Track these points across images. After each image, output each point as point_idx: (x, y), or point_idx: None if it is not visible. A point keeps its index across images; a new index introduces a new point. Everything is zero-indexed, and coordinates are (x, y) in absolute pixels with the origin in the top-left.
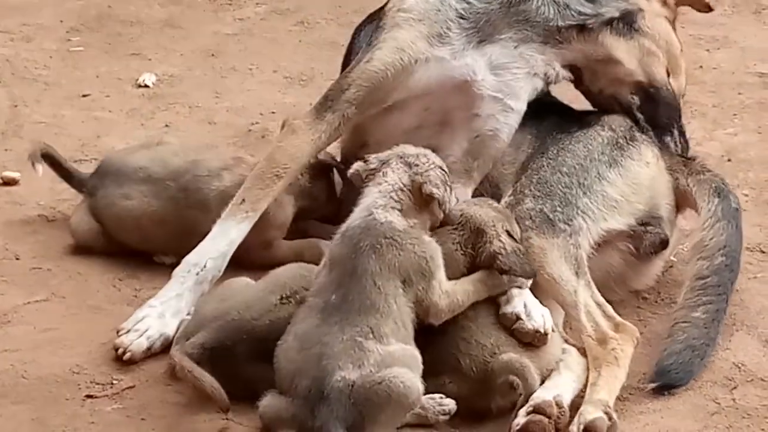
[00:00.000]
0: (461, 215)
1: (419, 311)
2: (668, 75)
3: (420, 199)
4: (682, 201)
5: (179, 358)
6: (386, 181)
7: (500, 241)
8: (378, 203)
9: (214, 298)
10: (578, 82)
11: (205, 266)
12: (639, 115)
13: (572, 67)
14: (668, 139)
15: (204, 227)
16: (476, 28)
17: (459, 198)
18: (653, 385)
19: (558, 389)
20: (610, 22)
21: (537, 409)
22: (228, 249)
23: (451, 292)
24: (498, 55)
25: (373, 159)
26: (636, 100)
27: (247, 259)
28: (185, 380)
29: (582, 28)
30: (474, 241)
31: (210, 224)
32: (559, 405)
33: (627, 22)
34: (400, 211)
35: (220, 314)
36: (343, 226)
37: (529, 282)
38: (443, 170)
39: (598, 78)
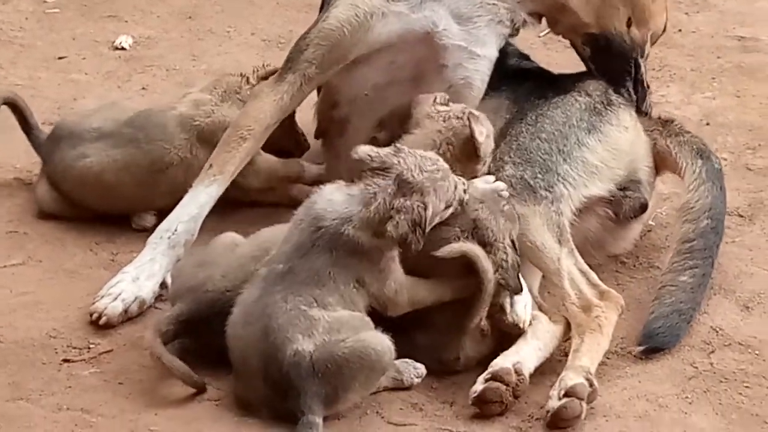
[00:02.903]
0: (473, 218)
1: (377, 305)
2: (629, 25)
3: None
4: (661, 163)
5: (150, 344)
6: (374, 203)
7: (505, 253)
8: (354, 222)
9: (193, 263)
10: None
11: (176, 230)
12: (591, 66)
13: (537, 14)
14: (623, 90)
15: (172, 159)
16: None
17: None
18: (640, 348)
19: (519, 356)
20: None
21: (494, 377)
22: (198, 212)
23: (409, 287)
24: (457, 4)
25: (385, 156)
26: (587, 51)
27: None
28: (157, 365)
29: None
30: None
31: (176, 156)
32: (518, 372)
33: None
34: (373, 233)
35: (196, 285)
36: (314, 204)
37: None
38: (422, 213)
39: (556, 26)
